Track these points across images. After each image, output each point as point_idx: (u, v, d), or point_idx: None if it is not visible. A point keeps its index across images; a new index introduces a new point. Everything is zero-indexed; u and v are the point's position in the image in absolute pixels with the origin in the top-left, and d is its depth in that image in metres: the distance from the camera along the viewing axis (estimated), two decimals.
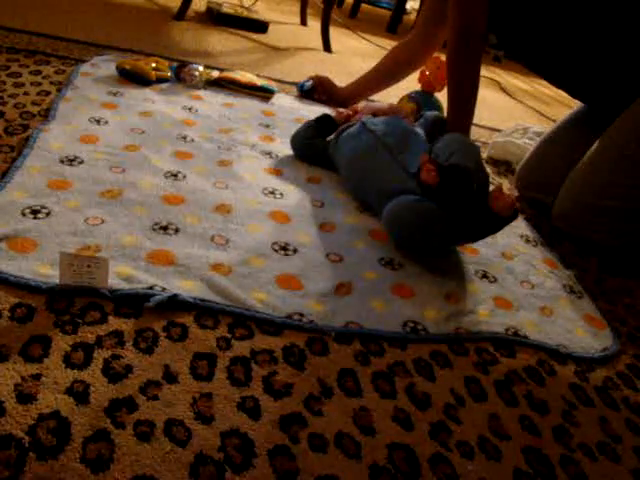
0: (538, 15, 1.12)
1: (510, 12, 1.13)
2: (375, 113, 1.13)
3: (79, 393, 0.52)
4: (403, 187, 0.91)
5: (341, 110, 1.19)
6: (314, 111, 1.33)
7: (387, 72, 1.47)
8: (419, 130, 1.07)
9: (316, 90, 1.51)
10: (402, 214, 0.88)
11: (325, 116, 1.16)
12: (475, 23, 1.09)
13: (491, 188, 0.85)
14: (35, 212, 0.74)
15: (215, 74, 1.41)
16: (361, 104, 1.30)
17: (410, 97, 1.48)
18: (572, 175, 1.14)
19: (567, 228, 1.14)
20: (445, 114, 1.16)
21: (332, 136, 1.14)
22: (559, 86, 1.31)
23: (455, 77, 1.12)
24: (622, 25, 1.07)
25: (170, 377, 0.56)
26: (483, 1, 1.07)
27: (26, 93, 1.09)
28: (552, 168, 1.25)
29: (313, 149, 1.13)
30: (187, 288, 0.68)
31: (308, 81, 1.52)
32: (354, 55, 2.27)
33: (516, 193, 0.81)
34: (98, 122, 1.05)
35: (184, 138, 1.08)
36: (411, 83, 1.54)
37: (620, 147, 1.08)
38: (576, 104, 1.35)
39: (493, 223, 0.84)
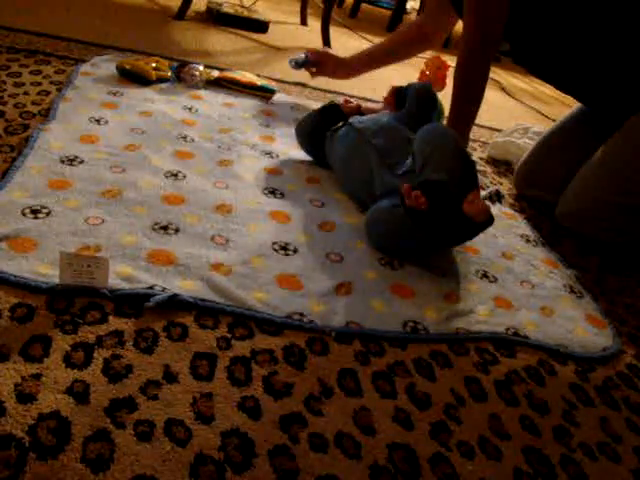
0: (551, 24, 1.11)
1: (524, 21, 1.12)
2: (363, 112, 1.12)
3: (79, 393, 0.52)
4: (391, 188, 0.91)
5: (350, 100, 1.16)
6: None
7: (392, 49, 1.44)
8: (404, 126, 1.03)
9: (314, 66, 1.44)
10: (377, 221, 0.89)
11: (332, 105, 1.12)
12: (492, 30, 1.08)
13: (489, 191, 0.85)
14: (35, 212, 0.74)
15: (215, 74, 1.41)
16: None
17: None
18: (582, 173, 1.14)
19: (573, 225, 1.13)
20: (445, 115, 1.16)
21: (327, 134, 1.09)
22: (567, 92, 1.30)
23: (463, 78, 1.10)
24: (633, 33, 1.06)
25: (170, 377, 0.56)
26: (502, 10, 1.05)
27: (26, 93, 1.09)
28: (552, 166, 1.25)
29: (316, 141, 1.10)
30: (187, 288, 0.68)
31: (302, 54, 1.43)
32: None
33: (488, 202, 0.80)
34: (98, 122, 1.05)
35: (184, 138, 1.08)
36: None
37: (635, 145, 1.08)
38: (576, 103, 1.34)
39: (467, 228, 0.83)
